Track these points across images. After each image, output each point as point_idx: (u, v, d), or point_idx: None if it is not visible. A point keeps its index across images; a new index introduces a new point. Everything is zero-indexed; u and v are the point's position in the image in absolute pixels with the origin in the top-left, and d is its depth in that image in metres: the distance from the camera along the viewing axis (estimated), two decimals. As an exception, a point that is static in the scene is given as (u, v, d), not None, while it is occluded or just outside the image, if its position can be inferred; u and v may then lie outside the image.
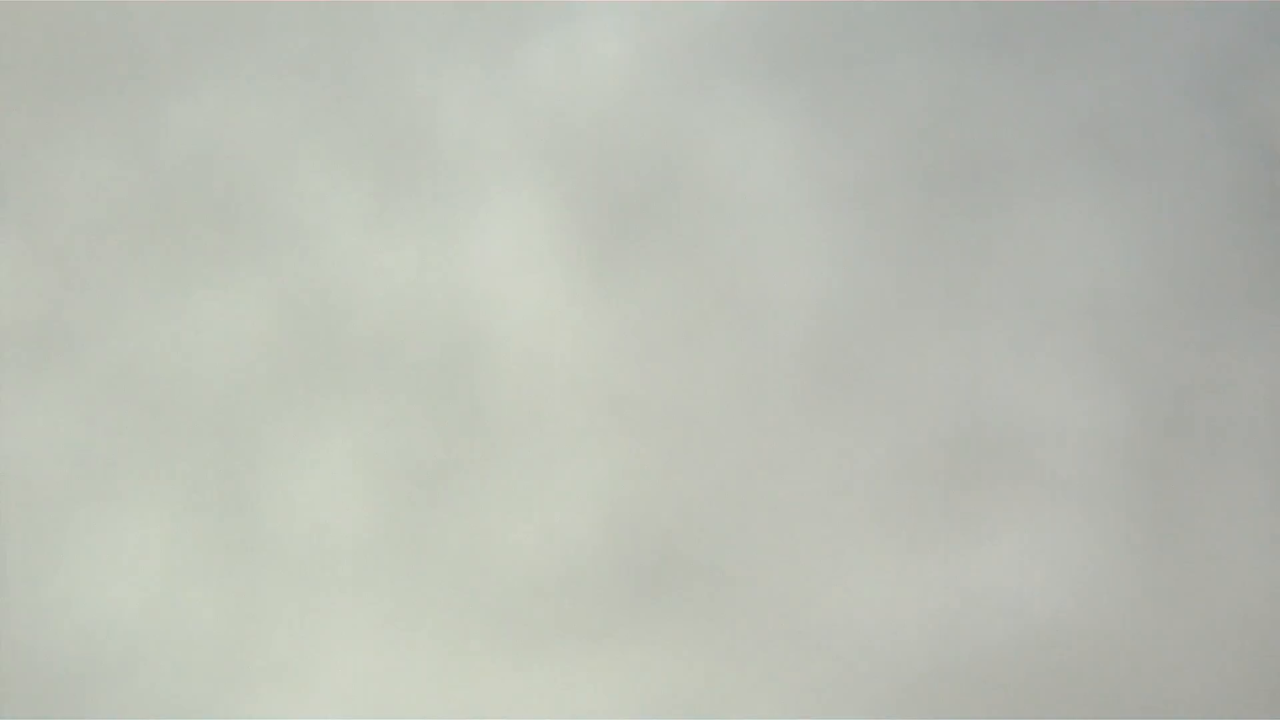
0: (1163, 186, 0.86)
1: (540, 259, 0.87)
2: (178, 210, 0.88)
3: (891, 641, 0.85)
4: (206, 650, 0.87)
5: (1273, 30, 0.86)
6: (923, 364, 0.86)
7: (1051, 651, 0.85)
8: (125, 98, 0.88)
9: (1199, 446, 0.85)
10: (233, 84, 0.88)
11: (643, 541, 0.86)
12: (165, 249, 0.88)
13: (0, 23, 0.89)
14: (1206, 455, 0.85)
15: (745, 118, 0.87)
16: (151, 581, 0.87)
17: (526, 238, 0.87)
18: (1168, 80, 0.86)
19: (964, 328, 0.86)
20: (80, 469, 0.87)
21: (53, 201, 0.88)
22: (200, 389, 0.87)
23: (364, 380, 0.87)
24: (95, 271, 0.88)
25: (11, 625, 0.87)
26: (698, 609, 0.86)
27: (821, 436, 0.86)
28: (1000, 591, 0.85)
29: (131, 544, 0.87)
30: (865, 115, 0.87)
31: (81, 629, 0.87)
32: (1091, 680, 0.85)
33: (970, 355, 0.86)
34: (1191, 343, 0.86)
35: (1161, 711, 0.85)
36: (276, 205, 0.87)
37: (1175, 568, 0.85)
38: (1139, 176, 0.86)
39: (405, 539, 0.86)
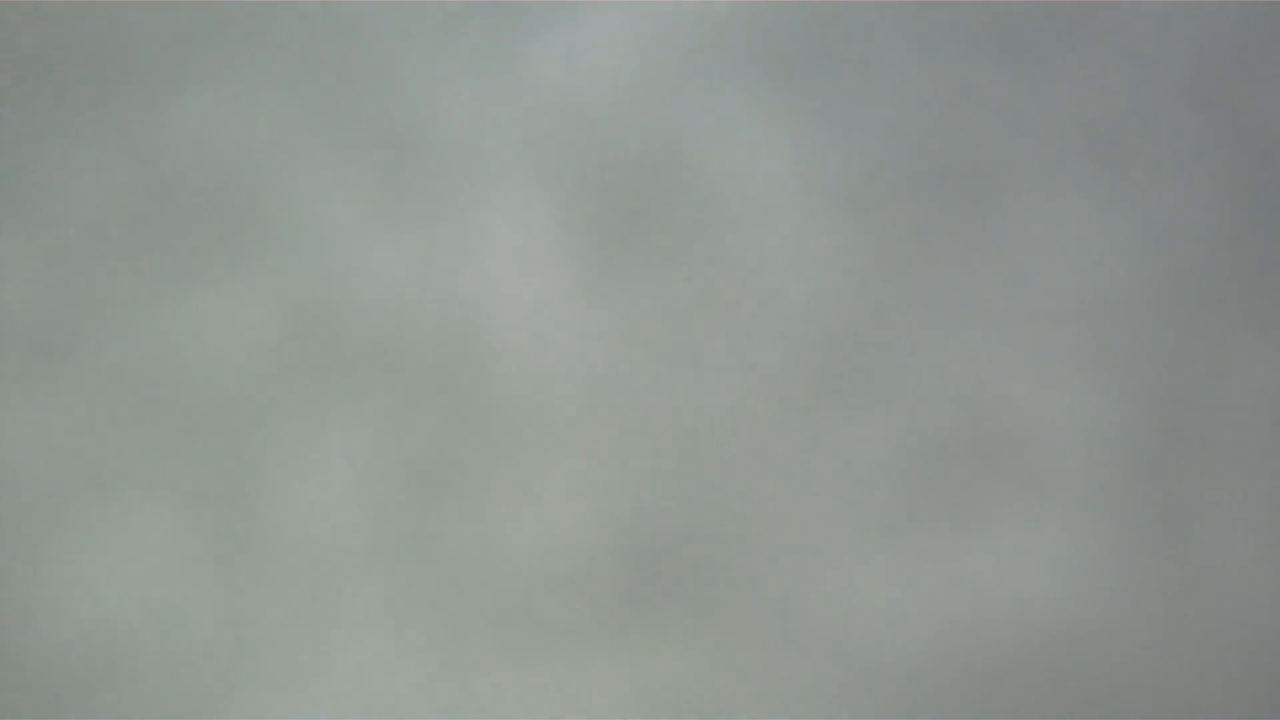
0: (1163, 186, 0.86)
1: (541, 259, 0.87)
2: (178, 210, 0.88)
3: (891, 641, 0.85)
4: (207, 650, 0.87)
5: (1273, 30, 0.86)
6: (922, 364, 0.86)
7: (1051, 651, 0.85)
8: (125, 98, 0.88)
9: (1198, 446, 0.86)
10: (232, 84, 0.88)
11: (643, 541, 0.86)
12: (165, 249, 0.88)
13: (0, 23, 0.89)
14: (1206, 455, 0.86)
15: (746, 118, 0.87)
16: (151, 581, 0.87)
17: (527, 238, 0.87)
18: (1168, 80, 0.86)
19: (964, 328, 0.86)
20: (80, 469, 0.87)
21: (53, 201, 0.88)
22: (200, 389, 0.87)
23: (364, 380, 0.87)
24: (95, 271, 0.88)
25: (11, 625, 0.87)
26: (698, 609, 0.86)
27: (822, 436, 0.86)
28: (1000, 591, 0.85)
29: (131, 544, 0.87)
30: (866, 115, 0.87)
31: (81, 629, 0.87)
32: (1091, 680, 0.85)
33: (970, 355, 0.86)
34: (1191, 343, 0.86)
35: (1161, 711, 0.85)
36: (276, 205, 0.88)
37: (1175, 567, 0.85)
38: (1139, 176, 0.86)
39: (405, 539, 0.86)
